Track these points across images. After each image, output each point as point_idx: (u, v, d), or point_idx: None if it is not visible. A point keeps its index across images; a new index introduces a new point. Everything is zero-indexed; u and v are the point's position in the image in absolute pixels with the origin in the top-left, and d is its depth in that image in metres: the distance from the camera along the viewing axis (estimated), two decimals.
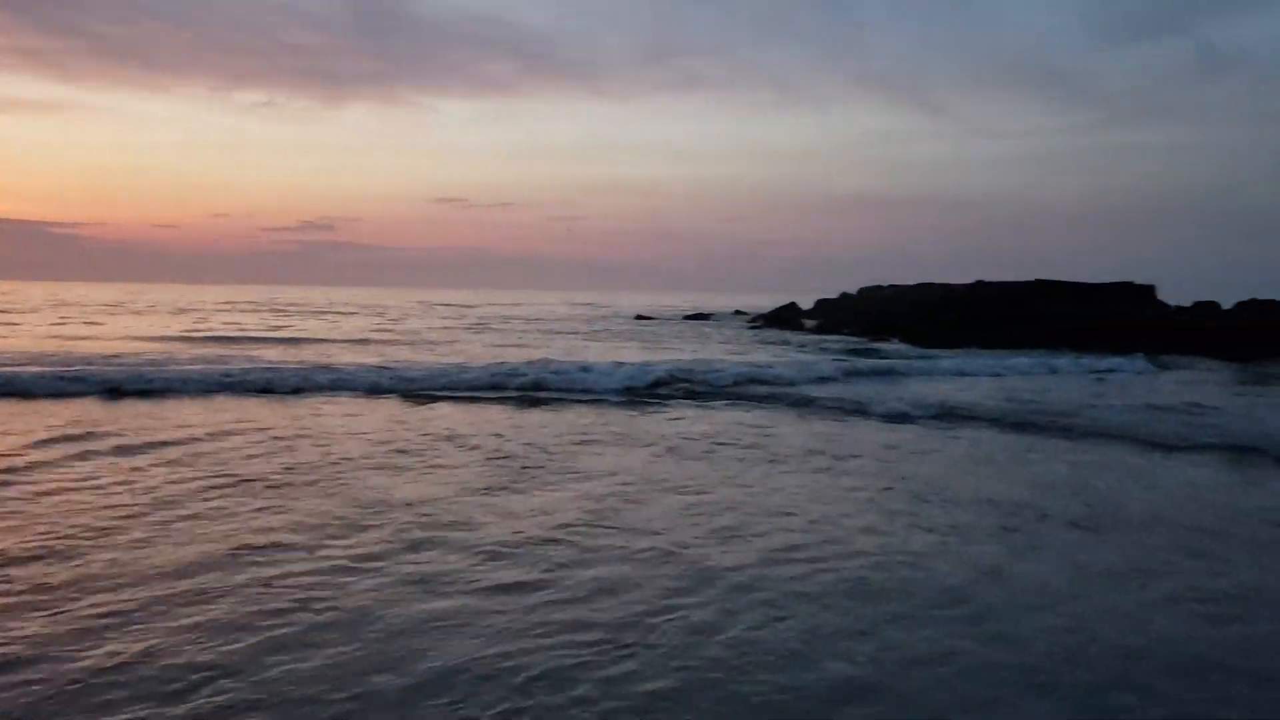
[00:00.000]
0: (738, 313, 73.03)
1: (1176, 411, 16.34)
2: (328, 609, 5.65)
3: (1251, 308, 36.10)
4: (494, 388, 18.05)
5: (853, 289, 60.49)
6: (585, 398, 17.27)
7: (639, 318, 63.63)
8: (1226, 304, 38.97)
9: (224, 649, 4.99)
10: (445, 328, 44.14)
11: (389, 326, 43.66)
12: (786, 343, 37.92)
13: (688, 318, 65.05)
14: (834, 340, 39.30)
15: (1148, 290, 39.00)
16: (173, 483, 9.02)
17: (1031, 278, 40.06)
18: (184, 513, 7.86)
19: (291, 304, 72.34)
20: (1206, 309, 38.84)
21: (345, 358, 24.14)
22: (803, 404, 16.92)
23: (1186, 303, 39.97)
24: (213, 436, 11.91)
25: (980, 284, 42.19)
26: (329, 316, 52.70)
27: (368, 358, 24.29)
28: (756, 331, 48.22)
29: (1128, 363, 26.94)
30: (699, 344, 36.35)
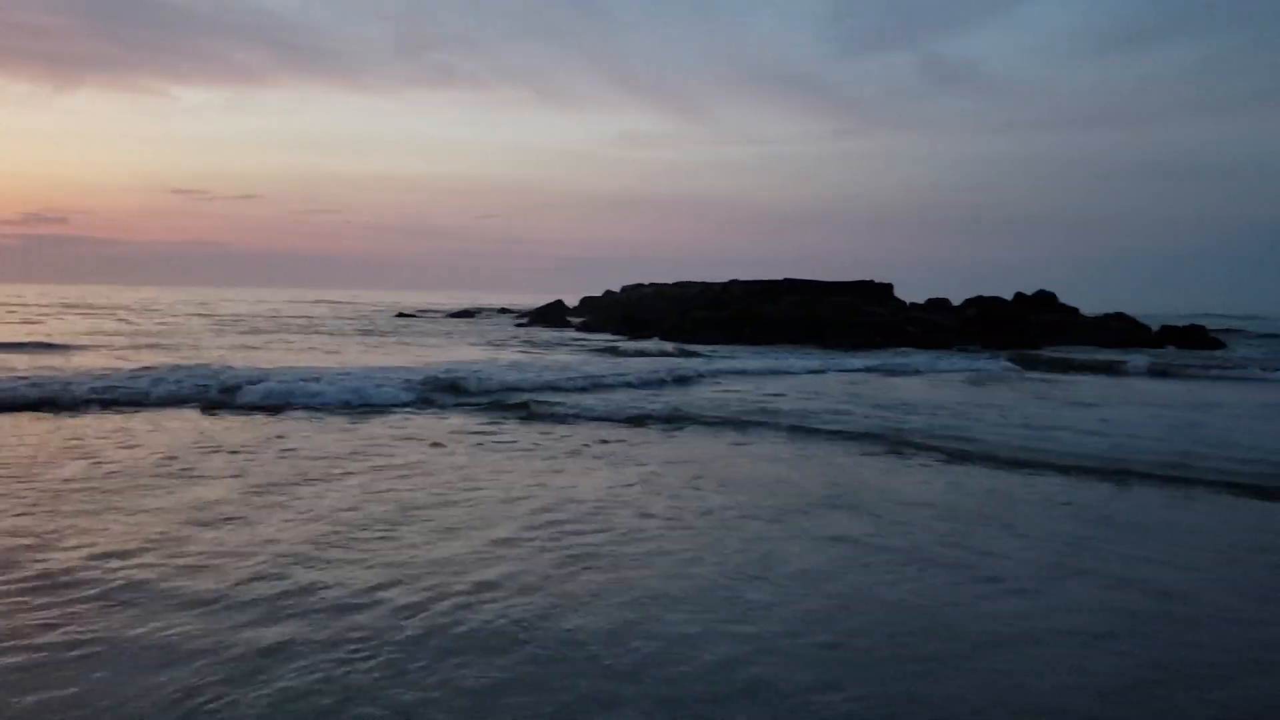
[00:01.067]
0: (504, 310, 71.87)
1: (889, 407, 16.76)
2: None
3: (978, 304, 38.66)
4: (195, 398, 16.07)
5: (617, 287, 60.87)
6: (302, 405, 15.63)
7: (400, 315, 61.31)
8: (956, 300, 41.68)
9: None
10: (170, 328, 40.37)
11: (105, 327, 39.45)
12: (546, 342, 37.14)
13: (452, 315, 63.33)
14: (597, 339, 38.92)
15: (886, 288, 41.09)
16: None
17: (782, 276, 41.30)
18: None
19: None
20: (938, 305, 41.39)
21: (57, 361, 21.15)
22: (540, 408, 16.04)
23: (920, 299, 42.49)
24: None
25: (734, 282, 43.11)
26: (26, 315, 47.21)
27: (57, 361, 21.43)
28: (523, 329, 47.29)
29: (991, 362, 27.94)
30: (458, 343, 34.95)
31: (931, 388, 21.37)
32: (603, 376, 20.85)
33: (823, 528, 8.01)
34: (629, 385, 20.02)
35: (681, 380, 21.28)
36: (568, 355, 28.88)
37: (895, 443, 12.85)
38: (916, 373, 25.19)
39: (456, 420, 14.39)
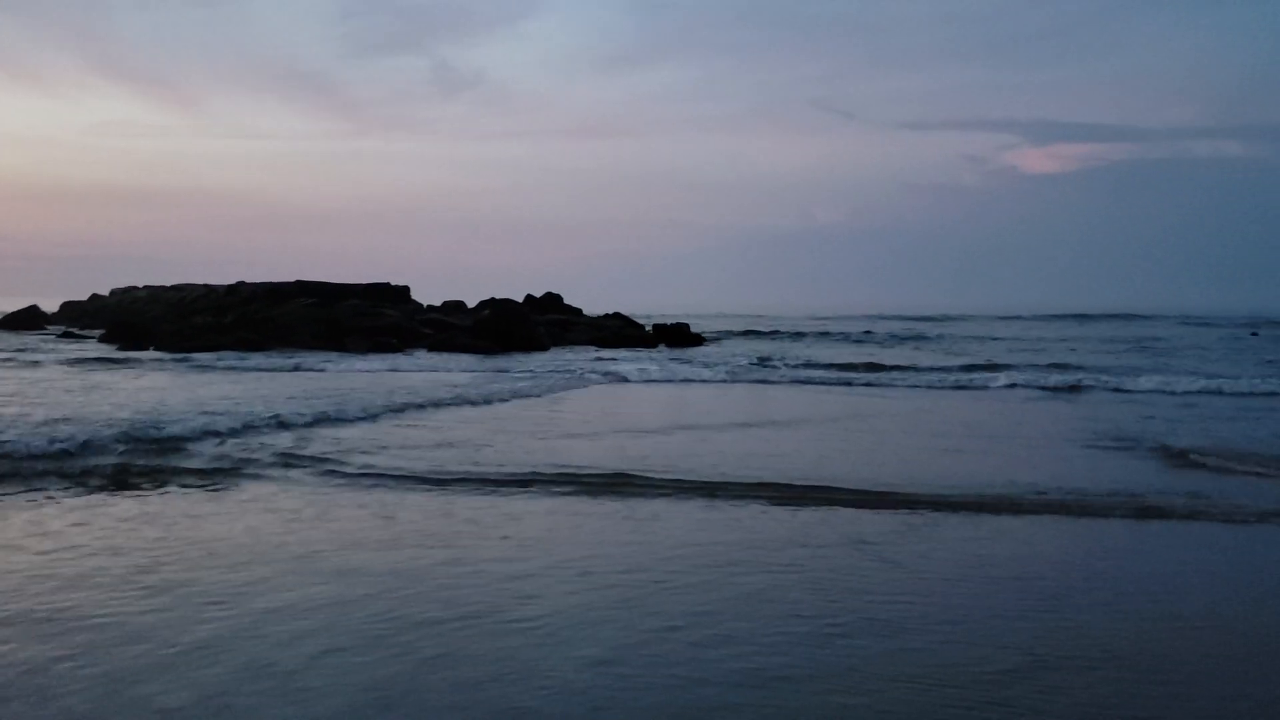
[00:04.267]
0: None
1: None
2: None
3: (491, 305, 39.94)
4: None
5: (106, 290, 54.56)
6: None
7: None
8: (472, 302, 42.80)
9: None
10: None
11: None
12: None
13: None
14: (76, 349, 34.42)
15: (404, 290, 41.06)
16: None
17: (293, 278, 39.60)
18: None
19: None
20: (455, 307, 42.22)
21: None
22: None
23: (438, 301, 43.07)
24: None
25: (241, 284, 40.57)
26: None
27: None
28: None
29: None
30: None
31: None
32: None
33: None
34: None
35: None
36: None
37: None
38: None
39: None
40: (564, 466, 11.12)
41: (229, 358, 29.47)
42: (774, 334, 52.95)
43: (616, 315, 46.70)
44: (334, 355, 31.42)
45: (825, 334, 52.18)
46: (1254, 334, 55.34)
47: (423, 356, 31.60)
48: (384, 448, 12.53)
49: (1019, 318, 78.51)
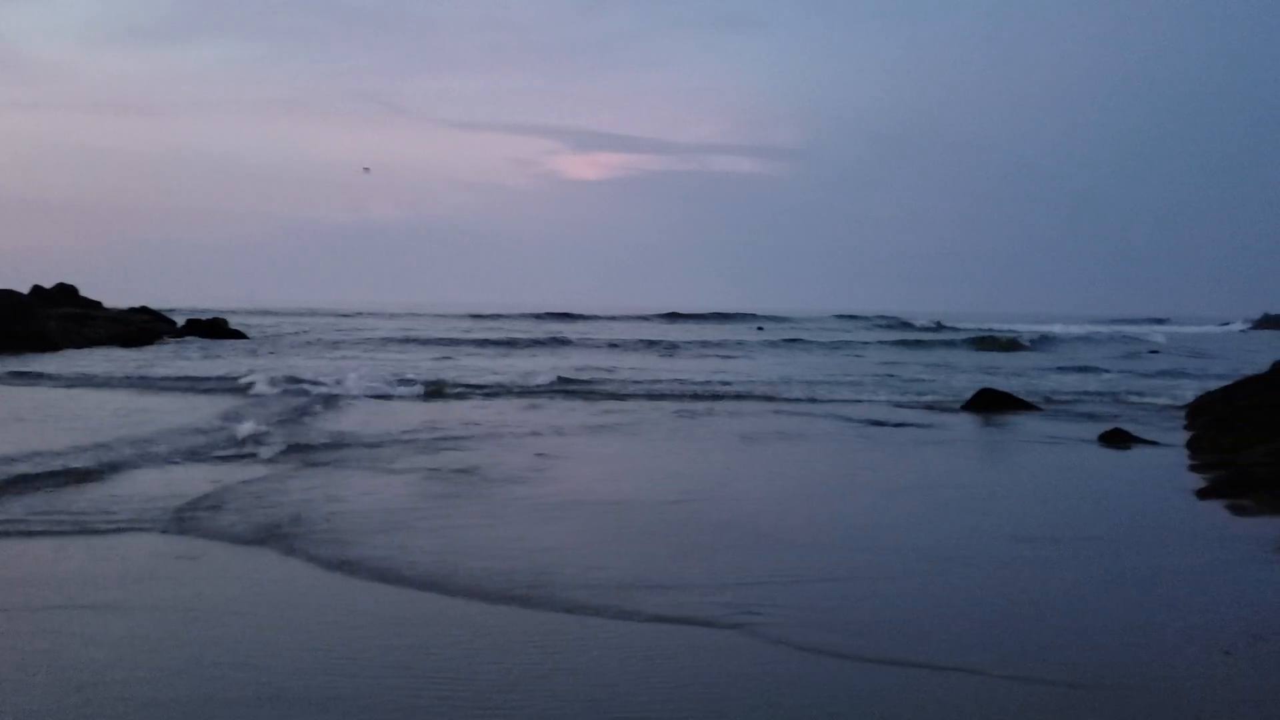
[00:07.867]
0: None
1: None
2: None
3: None
4: None
5: None
6: None
7: None
8: None
9: None
10: None
11: None
12: None
13: None
14: None
15: None
16: None
17: None
18: None
19: None
20: None
21: None
22: None
23: None
24: None
25: None
26: None
27: None
28: None
29: None
30: None
31: None
32: None
33: None
34: None
35: None
36: None
37: None
38: None
39: None
40: None
41: None
42: (351, 341, 49.94)
43: (143, 309, 43.41)
44: None
45: (392, 339, 47.59)
46: (759, 329, 63.55)
47: None
48: None
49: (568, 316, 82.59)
